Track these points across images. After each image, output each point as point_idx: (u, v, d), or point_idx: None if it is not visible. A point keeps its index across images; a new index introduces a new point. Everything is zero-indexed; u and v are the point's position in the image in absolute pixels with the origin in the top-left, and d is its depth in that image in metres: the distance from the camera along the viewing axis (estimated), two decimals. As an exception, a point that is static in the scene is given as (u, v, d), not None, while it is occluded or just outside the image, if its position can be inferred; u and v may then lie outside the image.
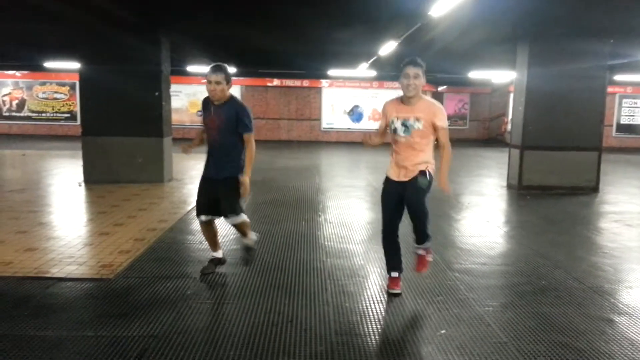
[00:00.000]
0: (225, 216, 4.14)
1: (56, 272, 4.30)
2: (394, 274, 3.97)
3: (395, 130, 3.76)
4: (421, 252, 3.92)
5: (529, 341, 3.22)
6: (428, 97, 3.82)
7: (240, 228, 4.25)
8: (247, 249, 4.37)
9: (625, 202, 8.50)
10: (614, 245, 5.67)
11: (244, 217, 4.19)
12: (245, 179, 4.02)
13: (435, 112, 3.68)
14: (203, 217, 4.21)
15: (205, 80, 3.99)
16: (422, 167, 3.71)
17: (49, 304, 3.66)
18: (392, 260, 3.96)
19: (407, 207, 3.76)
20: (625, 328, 3.48)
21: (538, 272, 4.64)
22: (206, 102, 4.12)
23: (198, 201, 4.22)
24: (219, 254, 4.40)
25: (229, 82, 3.99)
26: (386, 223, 3.90)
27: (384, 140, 4.03)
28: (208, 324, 3.40)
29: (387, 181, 3.87)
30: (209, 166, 4.14)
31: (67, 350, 2.97)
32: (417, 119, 3.66)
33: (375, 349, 3.10)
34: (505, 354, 3.04)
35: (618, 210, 7.70)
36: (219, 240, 4.49)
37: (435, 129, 3.68)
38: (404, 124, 3.70)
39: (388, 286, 4.00)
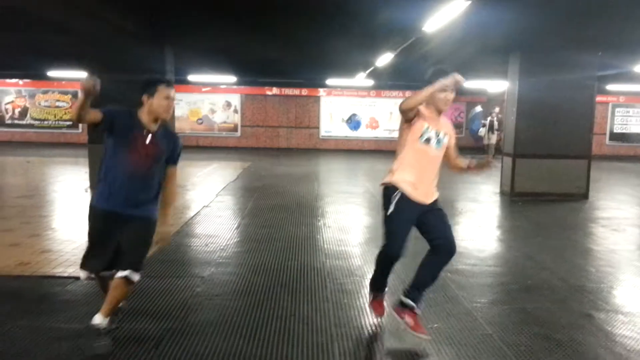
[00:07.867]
0: (123, 269, 3.09)
1: (73, 271, 4.57)
2: (380, 296, 3.66)
3: (428, 141, 3.31)
4: None
5: (512, 333, 3.52)
6: None
7: (121, 293, 3.12)
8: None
9: (613, 208, 8.81)
10: (599, 249, 5.98)
11: (138, 278, 3.16)
12: (167, 229, 3.31)
13: (452, 129, 3.57)
14: (106, 273, 3.21)
15: (162, 96, 3.13)
16: (436, 194, 3.43)
17: (70, 299, 3.95)
18: (384, 280, 3.62)
19: (436, 239, 3.34)
20: (603, 322, 3.77)
21: (525, 273, 4.93)
22: (134, 119, 3.13)
23: (94, 252, 3.18)
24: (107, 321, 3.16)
25: None
26: (398, 248, 3.33)
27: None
28: (218, 318, 3.68)
29: (405, 201, 3.26)
30: (116, 196, 3.09)
31: (93, 338, 3.25)
32: (446, 134, 3.42)
33: (372, 339, 3.39)
34: (490, 344, 3.34)
35: (606, 216, 8.01)
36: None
37: (449, 145, 3.49)
38: (437, 136, 3.36)
39: (377, 311, 3.65)
